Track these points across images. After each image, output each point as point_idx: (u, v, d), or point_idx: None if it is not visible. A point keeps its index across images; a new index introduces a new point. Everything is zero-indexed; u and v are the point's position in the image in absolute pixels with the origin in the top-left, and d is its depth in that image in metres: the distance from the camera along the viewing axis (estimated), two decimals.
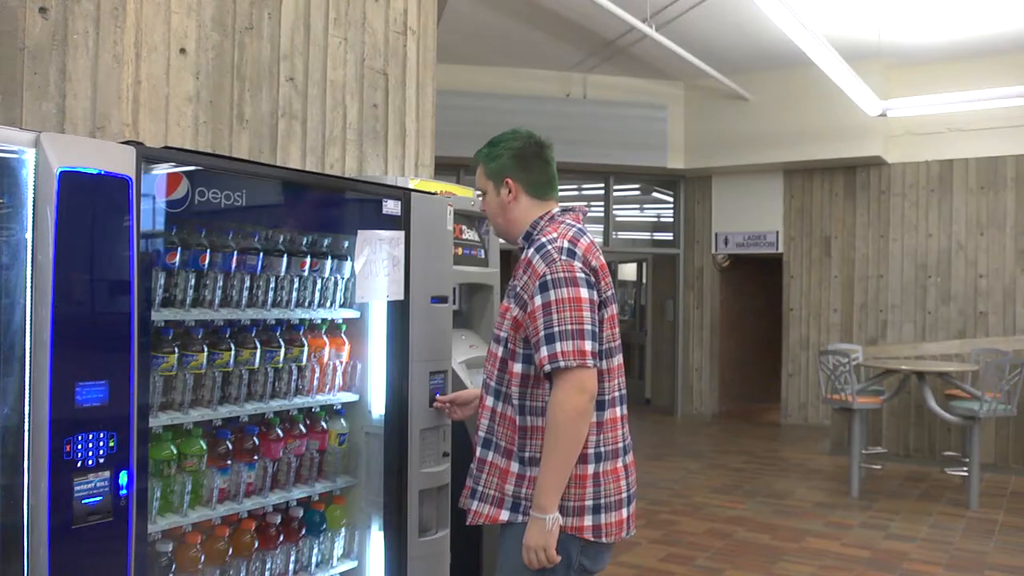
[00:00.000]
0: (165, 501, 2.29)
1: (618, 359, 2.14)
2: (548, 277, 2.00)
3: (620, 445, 2.12)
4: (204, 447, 2.41)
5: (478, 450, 2.16)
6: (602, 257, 2.13)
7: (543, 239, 2.09)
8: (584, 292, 2.00)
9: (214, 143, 2.89)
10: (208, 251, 2.38)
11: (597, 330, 2.02)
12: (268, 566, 2.57)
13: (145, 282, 2.02)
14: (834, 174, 9.41)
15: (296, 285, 2.66)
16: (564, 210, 2.22)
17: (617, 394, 2.13)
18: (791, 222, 9.70)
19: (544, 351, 1.97)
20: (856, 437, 6.28)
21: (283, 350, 2.63)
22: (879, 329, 9.15)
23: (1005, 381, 6.05)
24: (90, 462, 1.83)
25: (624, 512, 2.09)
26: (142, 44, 2.66)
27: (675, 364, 10.40)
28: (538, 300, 2.00)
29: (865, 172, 9.24)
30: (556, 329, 1.97)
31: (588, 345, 1.97)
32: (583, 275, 2.01)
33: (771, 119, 9.14)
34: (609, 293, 2.10)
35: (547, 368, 1.97)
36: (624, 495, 2.09)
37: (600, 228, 10.18)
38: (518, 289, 2.10)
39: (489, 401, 2.14)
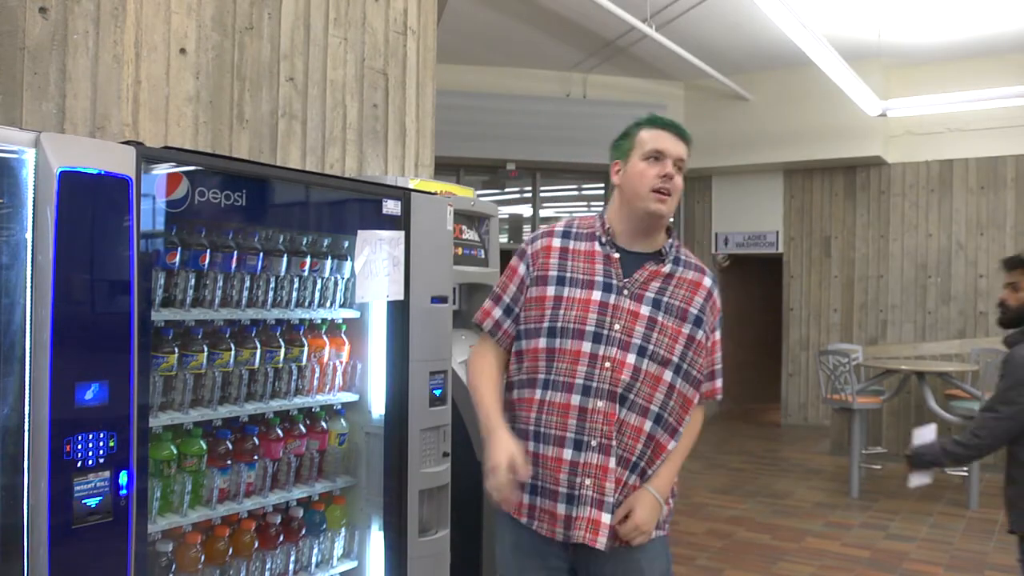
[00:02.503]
0: (165, 501, 2.30)
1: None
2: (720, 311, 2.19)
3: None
4: (204, 447, 2.41)
5: (628, 476, 2.01)
6: None
7: (693, 259, 2.18)
8: None
9: (214, 143, 2.89)
10: (208, 251, 2.38)
11: None
12: (268, 566, 2.57)
13: (145, 282, 2.02)
14: (834, 174, 9.41)
15: (296, 285, 2.66)
16: None
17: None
18: (791, 222, 9.70)
19: (719, 383, 2.18)
20: (856, 437, 6.28)
21: (283, 350, 2.63)
22: (879, 329, 9.15)
23: None
24: (90, 462, 1.83)
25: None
26: (142, 44, 2.66)
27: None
28: (718, 335, 2.16)
29: (865, 172, 9.24)
30: (720, 366, 2.20)
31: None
32: None
33: (771, 119, 9.14)
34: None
35: (717, 398, 2.19)
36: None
37: None
38: (690, 315, 2.07)
39: (635, 419, 2.00)
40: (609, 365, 1.98)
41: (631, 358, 1.99)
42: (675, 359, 2.03)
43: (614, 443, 1.98)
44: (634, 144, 2.09)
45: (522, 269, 2.14)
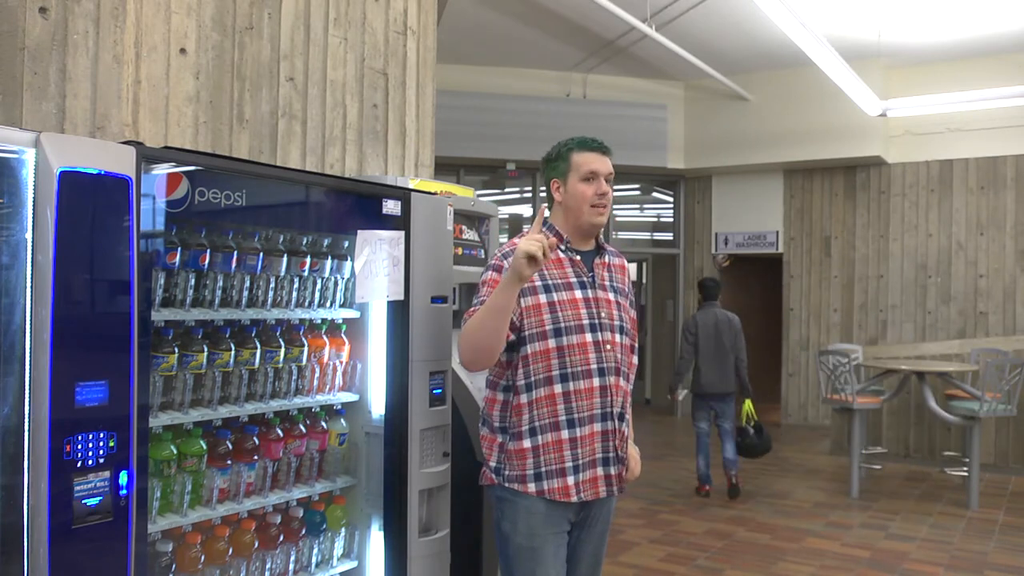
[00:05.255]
0: (165, 501, 2.29)
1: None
2: None
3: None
4: (204, 447, 2.41)
5: (621, 425, 2.40)
6: None
7: (609, 246, 2.54)
8: None
9: (214, 143, 2.89)
10: (208, 251, 2.38)
11: None
12: (268, 566, 2.57)
13: (145, 282, 2.02)
14: (834, 174, 9.41)
15: (296, 285, 2.66)
16: None
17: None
18: (791, 222, 9.70)
19: (635, 359, 2.51)
20: (856, 437, 6.28)
21: (283, 350, 2.63)
22: (879, 329, 9.15)
23: (1005, 381, 6.05)
24: (90, 462, 1.83)
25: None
26: (142, 44, 2.66)
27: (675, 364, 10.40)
28: (634, 312, 2.51)
29: (865, 172, 9.24)
30: (637, 344, 2.57)
31: None
32: None
33: (771, 119, 9.14)
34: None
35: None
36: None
37: None
38: (627, 291, 2.51)
39: (623, 383, 2.41)
40: (609, 347, 2.35)
41: (617, 337, 2.38)
42: (628, 327, 2.45)
43: (619, 407, 2.39)
44: (570, 166, 2.41)
45: None
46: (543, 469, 2.28)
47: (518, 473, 2.29)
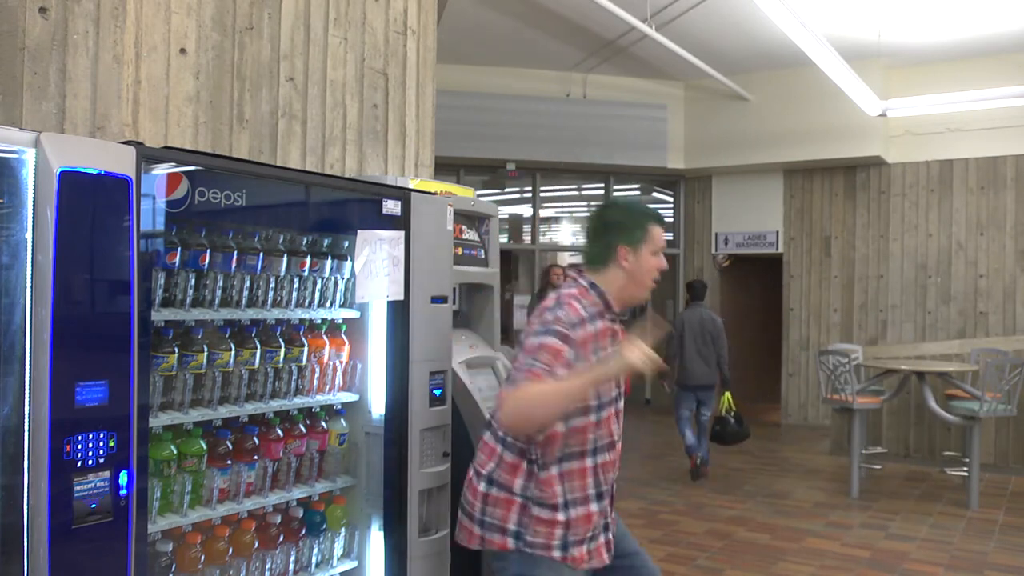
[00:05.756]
0: (165, 501, 2.29)
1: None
2: None
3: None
4: (204, 447, 2.41)
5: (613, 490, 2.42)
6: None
7: None
8: None
9: (214, 143, 2.89)
10: (208, 251, 2.38)
11: None
12: (268, 566, 2.57)
13: (145, 282, 2.02)
14: (834, 174, 9.41)
15: (296, 285, 2.66)
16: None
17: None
18: (791, 222, 9.70)
19: None
20: (856, 437, 6.28)
21: (283, 350, 2.63)
22: (879, 329, 9.15)
23: (1005, 381, 6.04)
24: (90, 462, 1.83)
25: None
26: (142, 44, 2.66)
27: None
28: None
29: (865, 172, 9.24)
30: None
31: None
32: None
33: (771, 119, 9.14)
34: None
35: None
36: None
37: None
38: None
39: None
40: (619, 416, 2.37)
41: (621, 403, 2.40)
42: None
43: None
44: (646, 238, 2.31)
45: (569, 354, 2.18)
46: (569, 539, 2.23)
47: (543, 542, 2.21)
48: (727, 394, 6.63)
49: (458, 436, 2.99)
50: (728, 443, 6.68)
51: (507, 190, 10.02)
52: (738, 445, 6.82)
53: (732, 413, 6.59)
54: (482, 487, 2.27)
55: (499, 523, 2.24)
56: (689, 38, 7.75)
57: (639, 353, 2.05)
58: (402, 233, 2.73)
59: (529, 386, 2.08)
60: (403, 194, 2.77)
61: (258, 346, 2.56)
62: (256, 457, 2.54)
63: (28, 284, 1.77)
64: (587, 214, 2.38)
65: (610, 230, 2.32)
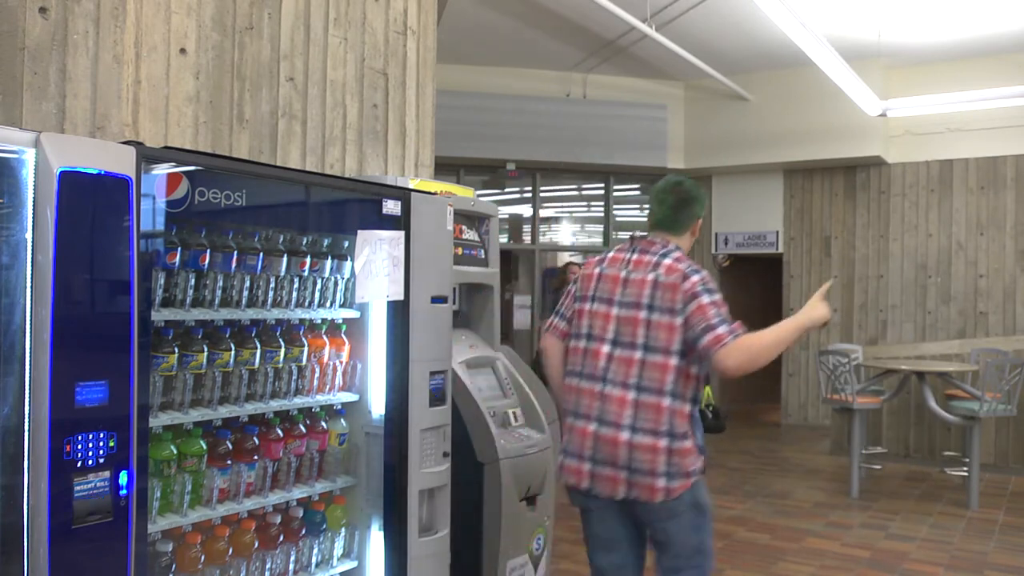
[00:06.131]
0: (165, 501, 2.29)
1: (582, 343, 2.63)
2: None
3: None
4: (204, 447, 2.41)
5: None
6: (601, 268, 2.69)
7: None
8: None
9: (214, 143, 2.90)
10: (208, 251, 2.38)
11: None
12: (268, 566, 2.57)
13: (145, 282, 2.02)
14: (834, 174, 9.41)
15: (296, 285, 2.66)
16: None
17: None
18: (791, 222, 9.70)
19: None
20: (856, 437, 6.28)
21: (283, 350, 2.63)
22: (879, 329, 9.15)
23: (1005, 381, 6.04)
24: (90, 462, 1.83)
25: (562, 459, 2.62)
26: (142, 44, 2.66)
27: None
28: None
29: (865, 172, 9.24)
30: None
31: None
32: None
33: (771, 119, 9.13)
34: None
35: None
36: (565, 447, 2.61)
37: (600, 228, 10.16)
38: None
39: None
40: None
41: None
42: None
43: None
44: (704, 212, 2.77)
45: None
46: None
47: (697, 467, 2.52)
48: (707, 388, 6.71)
49: (458, 436, 2.99)
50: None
51: (507, 190, 10.01)
52: (737, 445, 6.79)
53: (710, 407, 6.70)
54: (664, 443, 2.44)
55: (683, 469, 2.45)
56: (689, 38, 7.75)
57: (827, 308, 2.59)
58: (402, 233, 2.73)
59: (749, 337, 2.43)
60: (403, 194, 2.77)
61: (258, 346, 2.56)
62: (256, 457, 2.54)
63: (28, 284, 1.77)
64: (659, 186, 2.55)
65: (692, 202, 2.68)
